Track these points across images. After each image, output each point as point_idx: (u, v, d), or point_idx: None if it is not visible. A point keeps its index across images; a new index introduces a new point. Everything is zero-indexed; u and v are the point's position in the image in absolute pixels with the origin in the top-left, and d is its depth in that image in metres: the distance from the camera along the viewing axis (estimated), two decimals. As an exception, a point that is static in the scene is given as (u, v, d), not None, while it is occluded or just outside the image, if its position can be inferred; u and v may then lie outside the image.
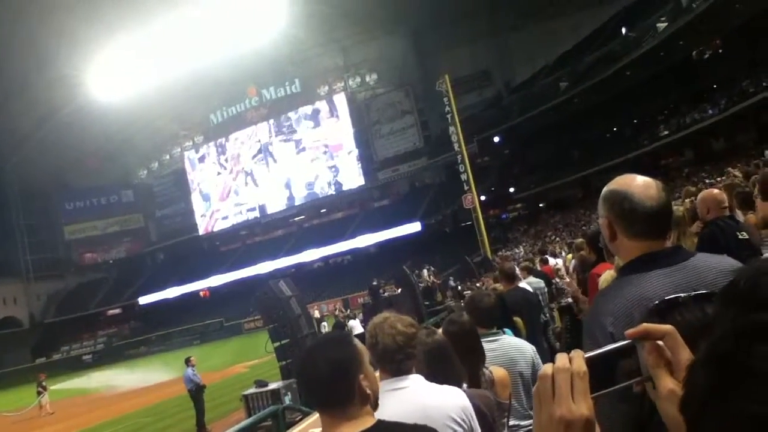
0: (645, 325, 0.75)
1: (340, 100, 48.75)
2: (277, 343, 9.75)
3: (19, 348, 46.38)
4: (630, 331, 0.75)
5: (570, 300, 6.76)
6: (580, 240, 7.37)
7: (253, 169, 51.83)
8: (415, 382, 1.92)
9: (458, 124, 31.41)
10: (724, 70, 28.45)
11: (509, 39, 44.16)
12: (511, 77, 45.02)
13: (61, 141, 48.82)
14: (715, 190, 4.01)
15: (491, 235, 32.66)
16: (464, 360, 2.36)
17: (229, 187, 53.00)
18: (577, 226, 28.12)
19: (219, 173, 53.50)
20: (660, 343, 0.73)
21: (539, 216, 39.73)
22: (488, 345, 2.82)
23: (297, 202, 50.46)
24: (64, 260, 56.37)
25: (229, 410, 12.33)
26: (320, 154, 49.39)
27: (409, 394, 1.87)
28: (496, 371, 2.61)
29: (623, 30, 33.00)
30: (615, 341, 0.77)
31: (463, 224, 36.68)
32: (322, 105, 49.37)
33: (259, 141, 51.63)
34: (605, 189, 1.46)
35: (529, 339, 3.62)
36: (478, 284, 14.56)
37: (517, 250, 28.06)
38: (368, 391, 1.49)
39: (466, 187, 31.32)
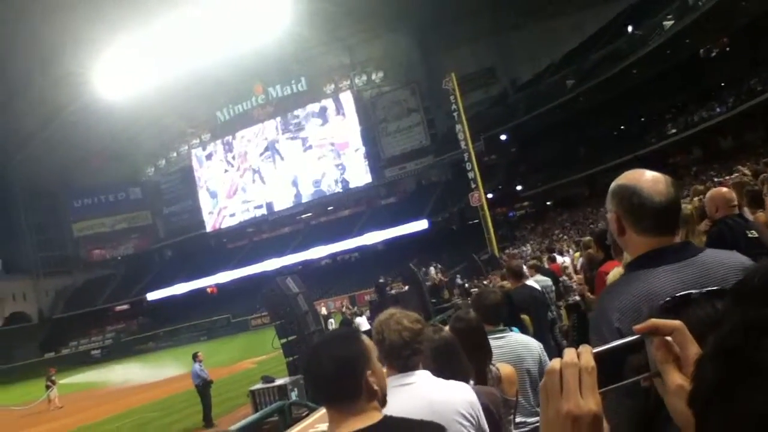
0: (653, 320, 0.75)
1: (347, 98, 48.75)
2: (284, 340, 9.79)
3: (28, 343, 46.85)
4: (638, 326, 0.75)
5: (577, 298, 6.74)
6: (587, 238, 7.35)
7: (260, 166, 51.97)
8: (423, 377, 1.92)
9: (465, 122, 31.35)
10: (732, 69, 28.23)
11: (511, 37, 44.00)
12: (515, 75, 44.93)
13: (67, 139, 48.96)
14: (724, 189, 3.98)
15: (498, 233, 32.59)
16: (471, 357, 2.36)
17: (237, 185, 53.17)
18: (585, 224, 28.00)
19: (226, 171, 53.67)
20: (668, 338, 0.73)
21: (546, 214, 39.62)
22: (495, 342, 2.82)
23: (304, 200, 50.55)
24: (72, 257, 56.80)
25: (236, 405, 12.41)
26: (327, 152, 49.45)
27: (417, 390, 1.87)
28: (503, 368, 2.61)
29: (629, 28, 32.81)
30: (622, 337, 0.77)
31: (470, 222, 36.61)
32: (328, 103, 49.40)
33: (266, 139, 51.75)
34: (614, 183, 1.45)
35: (536, 337, 3.61)
36: (485, 282, 14.53)
37: (524, 248, 27.99)
38: (375, 387, 1.49)
39: (473, 185, 31.28)
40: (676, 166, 30.82)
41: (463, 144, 31.91)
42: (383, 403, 1.54)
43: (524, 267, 6.73)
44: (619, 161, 29.64)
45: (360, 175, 48.21)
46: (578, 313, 6.57)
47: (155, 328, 46.77)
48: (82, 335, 49.05)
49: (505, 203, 42.55)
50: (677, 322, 0.73)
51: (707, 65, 31.29)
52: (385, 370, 1.73)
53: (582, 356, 0.69)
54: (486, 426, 1.92)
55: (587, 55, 35.05)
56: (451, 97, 31.57)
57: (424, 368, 1.97)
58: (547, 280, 6.45)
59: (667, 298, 0.90)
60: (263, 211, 51.86)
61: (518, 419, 2.74)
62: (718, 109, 27.72)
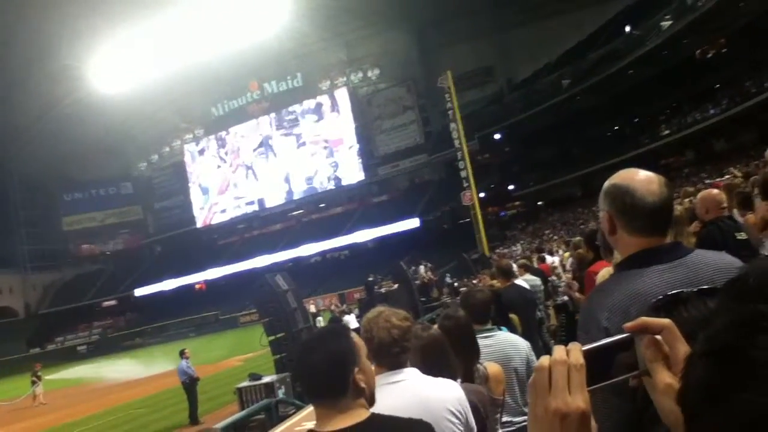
0: (643, 318, 0.74)
1: (342, 94, 48.70)
2: (272, 337, 9.74)
3: (14, 338, 46.34)
4: (628, 324, 0.74)
5: (566, 298, 6.77)
6: (577, 238, 7.38)
7: (253, 162, 51.81)
8: (412, 375, 1.92)
9: (459, 121, 31.41)
10: (728, 70, 28.41)
11: (511, 36, 44.11)
12: (513, 74, 44.96)
13: (62, 133, 48.68)
14: (714, 191, 4.00)
15: (489, 232, 32.69)
16: (459, 355, 2.36)
17: (229, 181, 52.98)
18: (576, 225, 28.12)
19: (219, 166, 53.47)
20: (658, 337, 0.72)
21: (538, 214, 39.80)
22: (483, 341, 2.82)
23: (296, 197, 50.46)
24: (61, 251, 56.31)
25: (222, 403, 12.34)
26: (320, 149, 49.37)
27: (406, 387, 1.87)
28: (491, 367, 2.61)
29: (627, 28, 32.92)
30: (609, 336, 0.76)
31: (462, 221, 36.70)
32: (323, 99, 49.34)
33: (261, 134, 51.61)
34: (607, 183, 1.44)
35: (525, 336, 3.61)
36: (474, 281, 14.58)
37: (514, 248, 28.09)
38: (363, 385, 1.49)
39: (465, 184, 31.37)
40: (669, 168, 31.06)
41: (457, 143, 31.98)
42: (371, 401, 1.53)
43: (514, 266, 6.74)
44: (611, 162, 29.84)
45: (353, 173, 48.19)
46: (566, 313, 6.60)
47: (143, 324, 46.55)
48: (69, 331, 48.72)
49: (497, 203, 42.69)
50: (667, 321, 0.73)
51: (703, 67, 31.47)
52: (373, 368, 1.72)
53: (571, 353, 0.68)
54: (474, 423, 1.92)
55: (585, 55, 35.14)
56: (447, 96, 31.62)
57: (412, 366, 1.97)
58: (537, 280, 6.47)
59: (660, 296, 0.89)
60: (254, 207, 51.73)
61: (505, 418, 2.74)
62: (712, 111, 27.89)
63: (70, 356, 42.00)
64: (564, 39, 38.16)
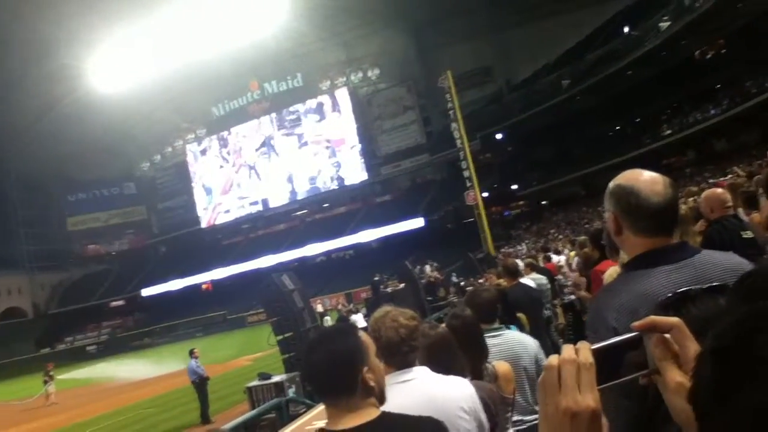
0: (652, 317, 0.74)
1: (342, 94, 48.67)
2: (280, 336, 9.77)
3: (24, 338, 46.59)
4: (637, 323, 0.74)
5: (573, 297, 6.77)
6: (583, 237, 7.38)
7: (256, 162, 51.85)
8: (422, 373, 1.92)
9: (460, 121, 31.35)
10: (727, 70, 28.33)
11: (509, 36, 43.96)
12: (512, 74, 44.81)
13: (62, 133, 48.60)
14: (719, 190, 4.00)
15: (493, 231, 32.63)
16: (467, 354, 2.36)
17: (231, 181, 53.04)
18: (580, 224, 28.04)
19: (221, 166, 53.53)
20: (667, 336, 0.73)
21: (542, 213, 39.69)
22: (492, 340, 2.83)
23: (299, 197, 50.49)
24: (66, 252, 56.43)
25: (232, 402, 12.37)
26: (322, 149, 49.37)
27: (417, 386, 1.86)
28: (500, 366, 2.61)
29: (626, 29, 32.83)
30: (618, 336, 0.77)
31: (466, 221, 36.63)
32: (324, 99, 49.32)
33: (262, 134, 51.64)
34: (612, 183, 1.45)
35: (532, 335, 3.62)
36: (480, 280, 14.56)
37: (519, 247, 28.01)
38: (372, 384, 1.48)
39: (468, 184, 31.31)
40: (671, 168, 30.93)
41: (458, 142, 31.93)
42: (382, 400, 1.53)
43: (520, 264, 6.75)
44: (613, 162, 29.76)
45: (356, 173, 48.16)
46: (574, 311, 6.60)
47: (151, 324, 46.68)
48: (78, 331, 48.90)
49: (500, 202, 42.58)
50: (676, 319, 0.73)
51: (702, 67, 31.38)
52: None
53: (580, 352, 0.69)
54: (485, 420, 1.92)
55: (584, 55, 35.07)
56: (447, 95, 31.56)
57: (420, 365, 1.97)
58: (543, 279, 6.48)
59: (669, 294, 0.90)
60: (258, 207, 51.77)
61: (515, 417, 2.75)
62: (712, 111, 27.79)
63: (80, 356, 42.18)
64: (561, 40, 38.01)
